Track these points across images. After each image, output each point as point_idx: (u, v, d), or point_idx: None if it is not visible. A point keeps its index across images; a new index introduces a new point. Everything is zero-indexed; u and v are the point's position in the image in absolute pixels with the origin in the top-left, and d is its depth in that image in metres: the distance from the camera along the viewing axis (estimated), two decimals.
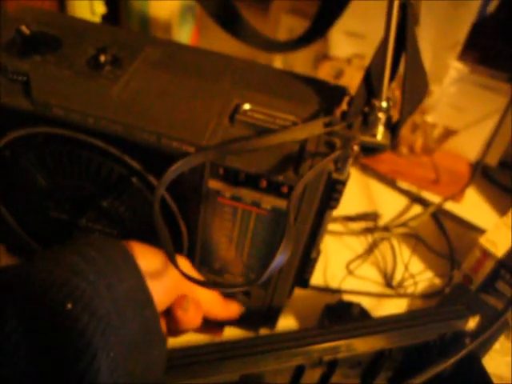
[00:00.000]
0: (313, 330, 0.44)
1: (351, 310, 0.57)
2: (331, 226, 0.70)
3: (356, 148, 0.36)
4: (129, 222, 0.43)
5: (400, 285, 0.65)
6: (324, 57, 0.78)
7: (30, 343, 0.26)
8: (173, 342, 0.39)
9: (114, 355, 0.28)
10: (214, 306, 0.43)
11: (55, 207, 0.44)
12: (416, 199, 0.77)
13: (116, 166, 0.39)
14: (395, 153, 0.82)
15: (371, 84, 0.38)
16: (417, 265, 0.68)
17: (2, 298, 0.27)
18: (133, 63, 0.40)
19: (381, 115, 0.38)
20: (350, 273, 0.66)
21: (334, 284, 0.64)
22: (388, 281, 0.65)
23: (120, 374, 0.29)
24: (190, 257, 0.44)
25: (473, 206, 0.77)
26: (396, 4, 0.35)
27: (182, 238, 0.43)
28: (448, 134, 0.80)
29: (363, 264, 0.67)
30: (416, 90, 0.39)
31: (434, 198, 0.77)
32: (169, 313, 0.39)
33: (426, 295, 0.65)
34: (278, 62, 0.84)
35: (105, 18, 0.74)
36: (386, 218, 0.73)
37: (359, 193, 0.76)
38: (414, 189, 0.78)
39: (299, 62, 0.82)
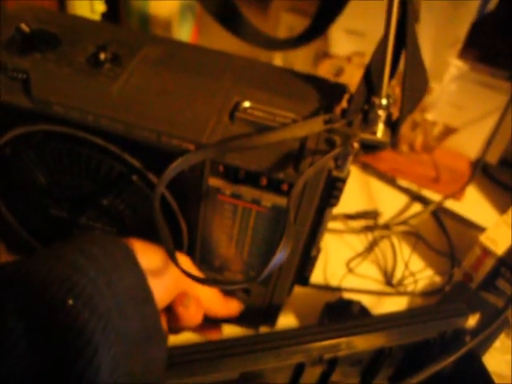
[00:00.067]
0: (313, 327, 0.44)
1: (351, 308, 0.57)
2: (331, 224, 0.70)
3: (356, 145, 0.36)
4: (129, 220, 0.43)
5: (400, 283, 0.65)
6: (324, 55, 0.78)
7: (30, 340, 0.26)
8: (173, 339, 0.39)
9: (114, 352, 0.28)
10: (214, 303, 0.43)
11: (55, 205, 0.44)
12: (416, 197, 0.77)
13: (116, 163, 0.39)
14: (395, 151, 0.82)
15: (371, 81, 0.38)
16: (417, 263, 0.68)
17: (2, 294, 0.27)
18: (132, 61, 0.40)
19: (381, 113, 0.38)
20: (350, 271, 0.66)
21: (334, 282, 0.64)
22: (388, 279, 0.65)
23: (120, 372, 0.29)
24: (190, 254, 0.44)
25: (473, 204, 0.77)
26: (396, 1, 0.35)
27: (182, 236, 0.43)
28: (448, 131, 0.80)
29: (363, 262, 0.67)
30: (416, 87, 0.39)
31: (434, 196, 0.77)
32: (169, 310, 0.39)
33: (426, 293, 0.65)
34: (278, 60, 0.84)
35: (105, 16, 0.74)
36: (386, 216, 0.73)
37: (359, 191, 0.76)
38: (414, 187, 0.78)
39: (299, 60, 0.82)
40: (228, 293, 0.46)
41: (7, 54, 0.39)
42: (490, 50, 0.73)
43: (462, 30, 0.69)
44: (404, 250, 0.69)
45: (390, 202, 0.76)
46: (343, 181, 0.38)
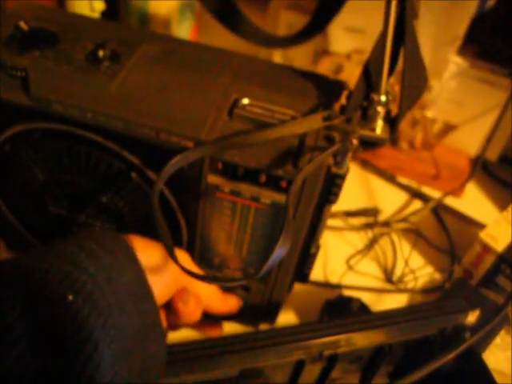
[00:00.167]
0: (312, 324, 0.44)
1: (351, 305, 0.57)
2: (331, 222, 0.70)
3: (355, 142, 0.36)
4: (128, 217, 0.43)
5: (400, 280, 0.65)
6: (324, 52, 0.78)
7: (30, 336, 0.26)
8: (172, 336, 0.39)
9: (114, 349, 0.28)
10: (213, 299, 0.43)
11: (54, 203, 0.44)
12: (416, 194, 0.76)
13: (115, 161, 0.39)
14: (395, 148, 0.81)
15: (370, 78, 0.38)
16: (417, 260, 0.68)
17: (2, 291, 0.27)
18: (131, 58, 0.40)
19: (380, 109, 0.38)
20: (350, 268, 0.66)
21: (334, 279, 0.64)
22: (388, 276, 0.65)
23: (120, 369, 0.29)
24: (190, 252, 0.44)
25: (473, 201, 0.77)
26: None
27: (181, 233, 0.43)
28: (448, 129, 0.80)
29: (363, 259, 0.67)
30: (415, 84, 0.39)
31: (434, 193, 0.77)
32: (169, 306, 0.39)
33: (426, 290, 0.65)
34: (278, 57, 0.84)
35: (104, 15, 0.74)
36: (386, 213, 0.73)
37: (359, 188, 0.76)
38: (414, 184, 0.78)
39: (299, 57, 0.82)
40: (228, 290, 0.46)
41: (6, 52, 0.39)
42: (489, 47, 0.73)
43: (462, 26, 0.69)
44: (404, 247, 0.69)
45: (389, 199, 0.75)
46: (342, 177, 0.38)
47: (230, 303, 0.46)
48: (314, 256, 0.47)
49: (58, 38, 0.41)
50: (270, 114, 0.38)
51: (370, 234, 0.70)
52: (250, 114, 0.38)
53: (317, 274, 0.64)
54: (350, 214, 0.71)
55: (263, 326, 0.53)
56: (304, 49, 0.80)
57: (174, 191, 0.40)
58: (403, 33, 0.37)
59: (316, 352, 0.42)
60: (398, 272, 0.66)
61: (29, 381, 0.26)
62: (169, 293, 0.38)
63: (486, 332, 0.46)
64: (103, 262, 0.31)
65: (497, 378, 0.47)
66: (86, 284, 0.29)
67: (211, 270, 0.46)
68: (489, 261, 0.58)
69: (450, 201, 0.76)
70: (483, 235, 0.58)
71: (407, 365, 0.49)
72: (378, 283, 0.65)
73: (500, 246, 0.57)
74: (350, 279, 0.64)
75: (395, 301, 0.63)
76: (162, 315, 0.39)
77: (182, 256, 0.41)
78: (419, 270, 0.67)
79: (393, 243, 0.69)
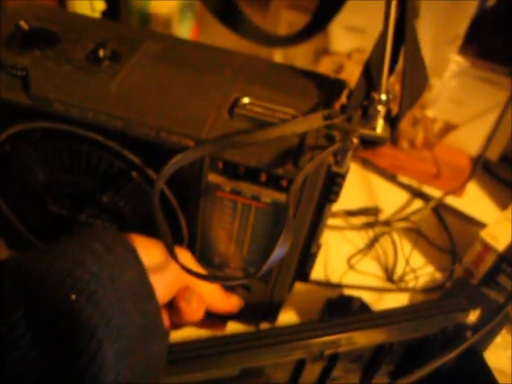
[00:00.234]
0: (313, 323, 0.44)
1: (352, 304, 0.57)
2: (332, 221, 0.70)
3: (355, 141, 0.36)
4: (129, 217, 0.43)
5: (401, 279, 0.65)
6: (324, 51, 0.78)
7: (34, 336, 0.26)
8: (173, 335, 0.39)
9: (116, 348, 0.28)
10: (215, 299, 0.43)
11: (55, 202, 0.44)
12: (417, 194, 0.76)
13: (115, 160, 0.39)
14: (396, 147, 0.81)
15: (371, 77, 0.38)
16: (418, 259, 0.68)
17: (5, 291, 0.27)
18: (132, 58, 0.40)
19: (380, 108, 0.38)
20: (351, 267, 0.66)
21: (334, 279, 0.64)
22: (389, 275, 0.65)
23: (123, 367, 0.29)
24: (190, 251, 0.44)
25: (474, 201, 0.77)
26: None
27: (182, 233, 0.43)
28: (449, 128, 0.80)
29: (364, 258, 0.67)
30: (416, 83, 0.39)
31: (434, 192, 0.77)
32: (171, 305, 0.39)
33: (427, 289, 0.65)
34: (279, 56, 0.84)
35: (105, 15, 0.74)
36: (386, 212, 0.73)
37: (360, 187, 0.76)
38: (414, 183, 0.78)
39: (299, 56, 0.82)
40: (228, 289, 0.46)
41: (6, 52, 0.39)
42: (490, 46, 0.73)
43: (462, 26, 0.69)
44: (405, 247, 0.69)
45: (390, 198, 0.75)
46: (343, 176, 0.38)
47: (231, 302, 0.46)
48: (315, 255, 0.46)
49: (59, 38, 0.41)
50: (271, 113, 0.38)
51: (370, 233, 0.70)
52: (251, 113, 0.38)
53: (318, 273, 0.64)
54: (350, 213, 0.71)
55: (264, 326, 0.53)
56: (304, 48, 0.80)
57: (174, 190, 0.40)
58: (404, 32, 0.37)
59: (317, 351, 0.42)
60: (398, 271, 0.66)
61: (32, 380, 0.26)
62: (171, 292, 0.38)
63: (486, 331, 0.46)
64: (105, 261, 0.31)
65: (498, 377, 0.47)
66: (89, 283, 0.29)
67: (212, 269, 0.46)
68: (490, 260, 0.58)
69: (451, 200, 0.76)
70: (484, 234, 0.58)
71: (408, 364, 0.49)
72: (379, 282, 0.65)
73: (501, 246, 0.57)
74: (350, 278, 0.64)
75: (396, 300, 0.63)
76: (165, 314, 0.39)
77: (185, 255, 0.41)
78: (420, 269, 0.67)
79: (394, 242, 0.69)
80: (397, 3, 0.36)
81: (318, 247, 0.46)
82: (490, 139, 0.72)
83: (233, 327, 0.50)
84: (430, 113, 0.79)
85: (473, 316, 0.47)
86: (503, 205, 0.75)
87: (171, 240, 0.33)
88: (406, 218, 0.72)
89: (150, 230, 0.37)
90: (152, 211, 0.33)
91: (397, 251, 0.68)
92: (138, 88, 0.38)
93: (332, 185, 0.39)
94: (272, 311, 0.51)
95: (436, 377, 0.44)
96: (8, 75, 0.38)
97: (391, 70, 0.38)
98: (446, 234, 0.71)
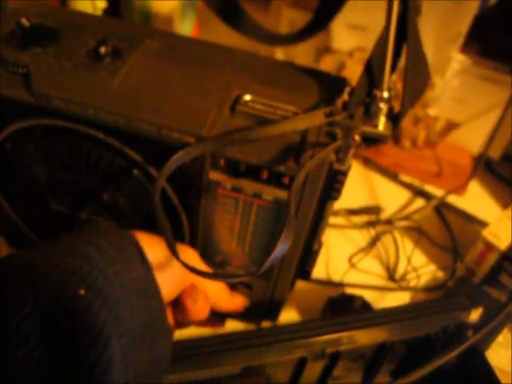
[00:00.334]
0: (315, 322, 0.44)
1: (354, 303, 0.57)
2: (333, 220, 0.70)
3: (357, 138, 0.36)
4: (130, 215, 0.43)
5: (403, 278, 0.65)
6: (326, 50, 0.78)
7: (43, 330, 0.26)
8: (175, 333, 0.39)
9: (123, 344, 0.28)
10: (220, 297, 0.43)
11: (56, 200, 0.44)
12: (418, 192, 0.76)
13: (116, 157, 0.39)
14: (397, 146, 0.81)
15: (372, 74, 0.38)
16: (419, 258, 0.68)
17: (13, 285, 0.27)
18: (133, 55, 0.40)
19: (382, 105, 0.37)
20: (353, 266, 0.65)
21: (336, 277, 0.64)
22: (391, 274, 0.65)
23: (129, 363, 0.29)
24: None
25: (476, 199, 0.77)
26: None
27: (183, 230, 0.43)
28: (450, 126, 0.80)
29: (366, 257, 0.67)
30: (418, 80, 0.39)
31: (436, 191, 0.77)
32: (176, 303, 0.39)
33: (428, 288, 0.65)
34: (280, 55, 0.84)
35: (106, 13, 0.74)
36: (388, 211, 0.73)
37: (361, 186, 0.76)
38: (416, 182, 0.78)
39: (301, 55, 0.82)
40: (230, 288, 0.46)
41: (8, 49, 0.39)
42: (492, 44, 0.73)
43: (464, 24, 0.69)
44: (406, 245, 0.69)
45: (392, 197, 0.75)
46: (344, 174, 0.38)
47: (236, 302, 0.46)
48: (316, 253, 0.46)
49: (60, 35, 0.41)
50: (272, 110, 0.38)
51: (372, 232, 0.70)
52: (252, 111, 0.37)
53: (319, 272, 0.64)
54: (352, 212, 0.71)
55: (265, 324, 0.53)
56: (306, 46, 0.80)
57: (175, 188, 0.40)
58: (405, 29, 0.37)
59: (318, 350, 0.42)
60: (400, 270, 0.66)
61: (40, 375, 0.25)
62: (176, 290, 0.38)
63: (488, 330, 0.46)
64: (111, 258, 0.31)
65: (499, 376, 0.46)
66: (97, 279, 0.29)
67: (213, 267, 0.46)
68: (492, 259, 0.58)
69: (453, 199, 0.76)
70: (486, 233, 0.58)
71: (410, 363, 0.49)
72: (381, 281, 0.65)
73: (503, 244, 0.57)
74: (352, 277, 0.64)
75: (398, 299, 0.63)
76: (169, 312, 0.39)
77: (190, 253, 0.41)
78: (422, 268, 0.67)
79: (395, 241, 0.69)
80: (399, 1, 0.36)
81: (320, 245, 0.46)
82: (491, 138, 0.72)
83: (234, 326, 0.50)
84: (431, 111, 0.79)
85: (474, 315, 0.47)
86: (505, 203, 0.75)
87: (172, 237, 0.33)
88: (407, 217, 0.72)
89: (151, 228, 0.37)
90: (153, 209, 0.33)
91: (398, 250, 0.68)
92: (139, 85, 0.38)
93: (334, 182, 0.39)
94: (273, 310, 0.51)
95: (438, 376, 0.44)
96: (9, 72, 0.38)
97: (393, 68, 0.38)
98: (447, 232, 0.71)
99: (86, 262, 0.29)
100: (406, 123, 0.79)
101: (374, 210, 0.72)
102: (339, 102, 0.39)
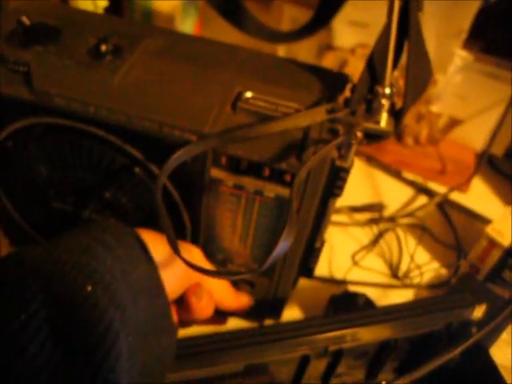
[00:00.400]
0: (317, 319, 0.43)
1: (357, 300, 0.56)
2: (336, 217, 0.70)
3: (359, 134, 0.35)
4: (132, 213, 0.43)
5: (406, 275, 0.65)
6: (328, 47, 0.78)
7: (52, 326, 0.26)
8: (178, 332, 0.39)
9: (129, 342, 0.28)
10: (225, 296, 0.43)
11: (58, 198, 0.44)
12: (422, 190, 0.76)
13: (118, 155, 0.39)
14: (400, 143, 0.81)
15: (374, 70, 0.38)
16: (423, 255, 0.68)
17: (23, 280, 0.27)
18: (134, 52, 0.40)
19: (384, 102, 0.37)
20: (356, 264, 0.65)
21: (339, 275, 0.64)
22: (394, 271, 0.65)
23: (136, 360, 0.29)
24: None
25: (479, 196, 0.76)
26: None
27: (185, 228, 0.43)
28: (453, 123, 0.80)
29: (368, 255, 0.67)
30: (419, 76, 0.38)
31: (439, 188, 0.76)
32: (181, 302, 0.39)
33: (432, 286, 0.64)
34: (282, 52, 0.83)
35: (107, 11, 0.74)
36: (391, 208, 0.73)
37: (364, 184, 0.76)
38: (419, 179, 0.77)
39: (303, 52, 0.82)
40: (234, 286, 0.46)
41: (8, 47, 0.39)
42: (495, 40, 0.73)
43: (467, 20, 0.69)
44: (409, 243, 0.69)
45: (395, 194, 0.75)
46: (347, 171, 0.38)
47: (241, 300, 0.46)
48: (319, 251, 0.46)
49: (61, 33, 0.41)
50: (274, 107, 0.37)
51: (375, 229, 0.70)
52: (254, 108, 0.37)
53: (322, 269, 0.63)
54: (355, 209, 0.71)
55: (268, 322, 0.53)
56: (308, 44, 0.80)
57: (177, 186, 0.40)
58: (407, 25, 0.37)
59: (321, 347, 0.42)
60: (403, 267, 0.66)
61: (49, 372, 0.26)
62: (180, 288, 0.38)
63: (492, 327, 0.46)
64: (118, 255, 0.31)
65: (504, 373, 0.46)
66: (104, 275, 0.29)
67: (215, 264, 0.46)
68: (495, 255, 0.58)
69: (456, 196, 0.75)
70: (489, 230, 0.58)
71: (413, 361, 0.49)
72: (384, 279, 0.65)
73: (506, 241, 0.57)
74: (355, 275, 0.64)
75: (401, 296, 0.63)
76: (174, 311, 0.39)
77: (194, 251, 0.41)
78: (425, 265, 0.66)
79: (398, 238, 0.69)
80: None
81: (322, 242, 0.46)
82: (494, 134, 0.72)
83: (237, 323, 0.50)
84: (434, 108, 0.78)
85: (478, 312, 0.47)
86: (508, 200, 0.75)
87: (174, 235, 0.33)
88: (410, 214, 0.72)
89: (153, 226, 0.36)
90: (155, 207, 0.33)
91: (401, 247, 0.68)
92: (139, 83, 0.38)
93: (336, 179, 0.39)
94: (276, 307, 0.51)
95: (441, 373, 0.44)
96: (10, 71, 0.38)
97: (395, 64, 0.38)
98: (451, 229, 0.71)
99: (92, 257, 0.29)
100: (409, 120, 0.79)
101: (376, 207, 0.72)
102: (341, 99, 0.39)
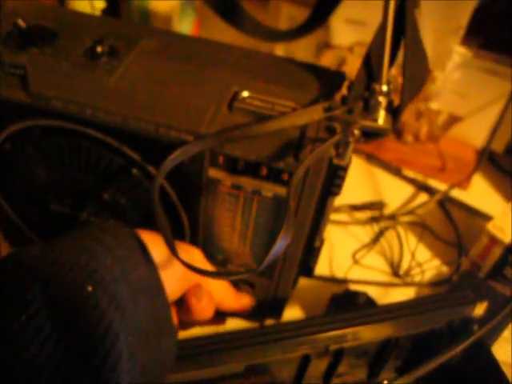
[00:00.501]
0: (318, 318, 0.43)
1: (358, 299, 0.56)
2: (337, 216, 0.69)
3: (357, 132, 0.35)
4: (130, 214, 0.43)
5: (407, 273, 0.65)
6: (326, 46, 0.78)
7: (52, 326, 0.26)
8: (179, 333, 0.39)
9: (130, 341, 0.28)
10: (225, 296, 0.43)
11: (56, 200, 0.44)
12: (422, 187, 0.76)
13: (115, 157, 0.39)
14: (400, 141, 0.81)
15: (371, 68, 0.38)
16: (424, 253, 0.67)
17: (23, 280, 0.27)
18: (130, 53, 0.40)
19: (381, 99, 0.37)
20: (356, 262, 0.65)
21: (340, 274, 0.64)
22: (395, 270, 0.65)
23: (136, 360, 0.29)
24: None
25: (479, 193, 0.76)
26: None
27: (184, 229, 0.43)
28: (453, 120, 0.79)
29: (369, 253, 0.66)
30: (417, 73, 0.38)
31: (440, 185, 0.76)
32: (181, 303, 0.39)
33: (433, 283, 0.64)
34: (280, 51, 0.83)
35: (105, 13, 0.74)
36: (391, 206, 0.72)
37: (364, 182, 0.76)
38: (419, 177, 0.77)
39: (301, 51, 0.81)
40: (235, 286, 0.46)
41: (5, 50, 0.39)
42: (493, 36, 0.72)
43: (465, 16, 0.68)
44: (410, 241, 0.68)
45: (395, 192, 0.75)
46: (344, 169, 0.38)
47: (242, 301, 0.45)
48: (319, 250, 0.46)
49: (57, 35, 0.41)
50: (270, 106, 0.37)
51: (375, 227, 0.69)
52: (250, 107, 0.37)
53: (323, 268, 0.63)
54: (355, 207, 0.71)
55: (269, 322, 0.53)
56: (306, 42, 0.79)
57: (175, 186, 0.40)
58: (404, 23, 0.37)
59: (322, 346, 0.42)
60: (404, 265, 0.65)
61: (50, 372, 0.26)
62: (180, 289, 0.38)
63: (494, 324, 0.46)
64: (117, 255, 0.31)
65: (506, 370, 0.46)
66: (104, 276, 0.29)
67: (215, 265, 0.46)
68: (496, 252, 0.58)
69: (457, 193, 0.75)
70: (490, 227, 0.58)
71: (415, 359, 0.49)
72: (385, 277, 0.64)
73: (507, 238, 0.57)
74: (356, 273, 0.64)
75: (402, 294, 0.63)
76: (174, 312, 0.38)
77: (194, 252, 0.41)
78: (426, 263, 0.66)
79: (399, 236, 0.69)
80: None
81: (322, 242, 0.46)
82: (494, 131, 0.71)
83: (237, 324, 0.50)
84: (433, 105, 0.78)
85: (479, 309, 0.47)
86: (509, 197, 0.74)
87: (171, 236, 0.33)
88: (411, 212, 0.72)
89: (151, 227, 0.36)
90: (152, 207, 0.33)
91: (402, 245, 0.68)
92: (136, 83, 0.38)
93: (334, 178, 0.39)
94: (277, 307, 0.51)
95: (443, 371, 0.44)
96: (6, 74, 0.38)
97: (392, 61, 0.38)
98: (451, 227, 0.71)
99: (92, 258, 0.29)
100: (408, 118, 0.79)
101: (377, 205, 0.71)
102: (338, 97, 0.39)
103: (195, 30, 0.86)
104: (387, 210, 0.72)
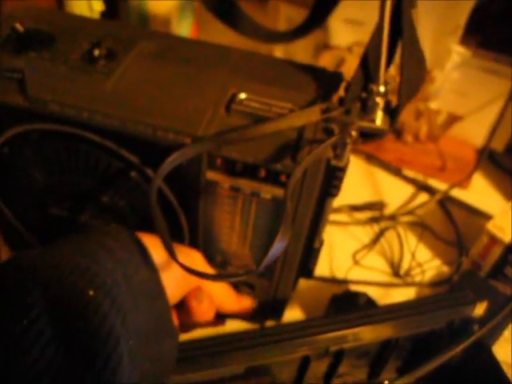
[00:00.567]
0: (318, 319, 0.43)
1: (358, 300, 0.56)
2: (337, 216, 0.69)
3: (354, 133, 0.35)
4: (129, 217, 0.43)
5: (407, 274, 0.65)
6: (324, 46, 0.78)
7: (54, 330, 0.26)
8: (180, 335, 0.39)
9: (131, 345, 0.28)
10: (226, 299, 0.43)
11: (55, 204, 0.44)
12: (422, 187, 0.76)
13: (113, 160, 0.39)
14: (400, 141, 0.81)
15: (368, 69, 0.38)
16: (424, 253, 0.67)
17: (24, 284, 0.27)
18: (128, 56, 0.40)
19: (379, 100, 0.37)
20: (357, 263, 0.65)
21: (340, 274, 0.64)
22: (395, 270, 0.65)
23: (137, 364, 0.29)
24: None
25: (480, 192, 0.76)
26: None
27: (183, 231, 0.43)
28: (453, 120, 0.79)
29: (369, 254, 0.66)
30: (414, 74, 0.38)
31: (440, 185, 0.76)
32: (182, 306, 0.39)
33: (434, 283, 0.64)
34: (279, 53, 0.83)
35: (103, 15, 0.74)
36: (392, 206, 0.72)
37: (364, 182, 0.76)
38: (419, 177, 0.77)
39: (300, 52, 0.81)
40: (235, 288, 0.46)
41: (2, 54, 0.39)
42: (492, 35, 0.72)
43: (463, 15, 0.68)
44: (410, 241, 0.68)
45: (395, 192, 0.75)
46: (342, 170, 0.38)
47: (243, 303, 0.45)
48: (318, 251, 0.46)
49: (54, 39, 0.41)
50: (268, 108, 0.37)
51: (375, 227, 0.69)
52: (248, 109, 0.37)
53: (323, 269, 0.63)
54: (355, 208, 0.71)
55: (269, 323, 0.53)
56: (305, 43, 0.79)
57: (174, 189, 0.40)
58: (400, 22, 0.37)
59: (322, 347, 0.42)
60: (404, 266, 0.65)
61: (51, 376, 0.26)
62: (181, 291, 0.38)
63: (494, 324, 0.46)
64: (119, 258, 0.31)
65: (506, 370, 0.46)
66: (106, 279, 0.29)
67: (214, 267, 0.46)
68: (497, 252, 0.58)
69: (457, 192, 0.75)
70: (490, 226, 0.58)
71: (415, 359, 0.49)
72: (385, 277, 0.64)
73: (508, 237, 0.57)
74: (356, 274, 0.64)
75: (403, 295, 0.63)
76: (174, 315, 0.38)
77: (195, 255, 0.41)
78: (426, 263, 0.66)
79: (399, 237, 0.68)
80: None
81: (321, 243, 0.46)
82: (494, 130, 0.71)
83: (238, 325, 0.50)
84: (433, 105, 0.78)
85: (480, 309, 0.47)
86: (509, 195, 0.74)
87: (169, 238, 0.33)
88: (411, 212, 0.72)
89: (150, 230, 0.36)
90: (150, 210, 0.33)
91: (402, 245, 0.68)
92: (133, 86, 0.38)
93: (332, 179, 0.38)
94: (277, 309, 0.51)
95: (444, 371, 0.44)
96: (4, 78, 0.38)
97: (389, 62, 0.38)
98: (452, 226, 0.71)
99: (93, 261, 0.29)
100: (408, 117, 0.79)
101: (377, 205, 0.71)
102: (335, 98, 0.39)
103: (194, 32, 0.86)
104: (387, 210, 0.72)
